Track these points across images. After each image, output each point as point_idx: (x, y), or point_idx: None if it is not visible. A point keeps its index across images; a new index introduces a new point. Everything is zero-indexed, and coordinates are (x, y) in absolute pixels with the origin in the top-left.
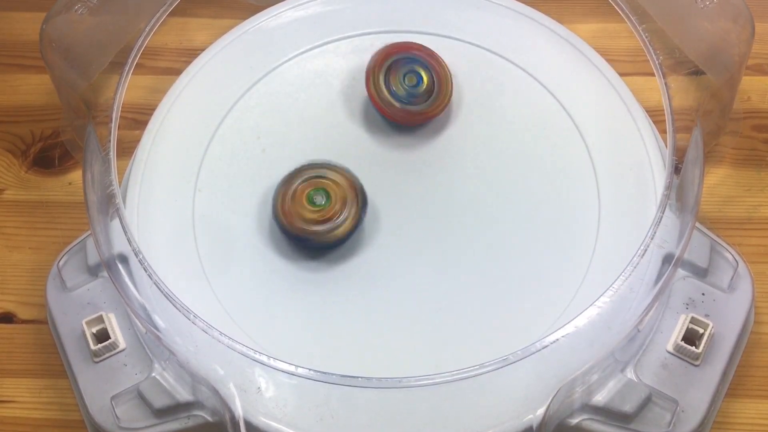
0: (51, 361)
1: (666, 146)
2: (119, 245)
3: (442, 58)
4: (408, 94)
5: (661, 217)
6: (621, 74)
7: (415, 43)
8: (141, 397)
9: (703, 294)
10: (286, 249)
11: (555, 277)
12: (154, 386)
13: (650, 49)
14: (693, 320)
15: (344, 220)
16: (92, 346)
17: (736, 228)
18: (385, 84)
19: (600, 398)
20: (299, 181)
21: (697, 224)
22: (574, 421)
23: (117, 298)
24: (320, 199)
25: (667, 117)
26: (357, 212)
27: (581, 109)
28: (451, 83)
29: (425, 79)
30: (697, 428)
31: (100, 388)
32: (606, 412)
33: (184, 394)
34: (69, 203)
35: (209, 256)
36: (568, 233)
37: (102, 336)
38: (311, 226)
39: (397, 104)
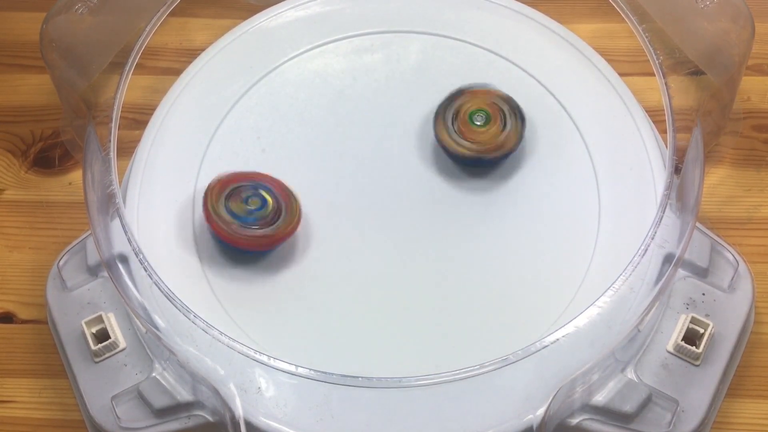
0: (51, 361)
1: (666, 146)
2: (119, 245)
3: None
4: (252, 217)
5: (662, 217)
6: (621, 74)
7: (255, 173)
8: (141, 397)
9: (703, 294)
10: (286, 249)
11: (555, 277)
12: (155, 386)
13: (650, 49)
14: (693, 320)
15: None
16: (92, 346)
17: (736, 228)
18: (225, 208)
19: (600, 398)
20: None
21: (698, 224)
22: (575, 421)
23: (117, 298)
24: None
25: (667, 117)
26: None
27: (581, 109)
28: (298, 206)
29: (270, 201)
30: (697, 428)
31: (100, 388)
32: (606, 412)
33: (184, 394)
34: (69, 203)
35: (209, 256)
36: (568, 233)
37: (102, 336)
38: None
39: (237, 225)
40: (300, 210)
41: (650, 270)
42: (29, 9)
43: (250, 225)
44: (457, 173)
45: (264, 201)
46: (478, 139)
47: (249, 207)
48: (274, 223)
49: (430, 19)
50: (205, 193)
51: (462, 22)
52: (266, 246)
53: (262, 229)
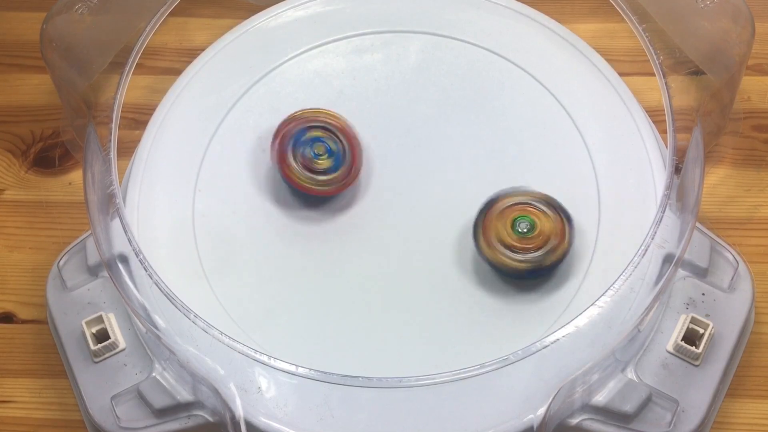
0: (51, 361)
1: (666, 146)
2: (119, 245)
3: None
4: (318, 163)
5: (662, 217)
6: (621, 74)
7: (329, 115)
8: (141, 397)
9: (703, 294)
10: (286, 249)
11: (555, 277)
12: (154, 386)
13: (650, 49)
14: (693, 320)
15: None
16: (92, 346)
17: (736, 228)
18: (293, 151)
19: (600, 398)
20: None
21: (698, 224)
22: (575, 421)
23: (117, 298)
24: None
25: (667, 117)
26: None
27: (581, 109)
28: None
29: (334, 149)
30: (697, 428)
31: (100, 388)
32: (606, 412)
33: (184, 394)
34: (69, 203)
35: (209, 256)
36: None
37: (102, 336)
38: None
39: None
40: (361, 158)
41: (650, 270)
42: (29, 9)
43: (316, 170)
44: (457, 173)
45: (329, 148)
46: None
47: (316, 152)
48: (338, 170)
49: (430, 19)
50: (277, 132)
51: (462, 22)
52: (330, 192)
53: (326, 175)
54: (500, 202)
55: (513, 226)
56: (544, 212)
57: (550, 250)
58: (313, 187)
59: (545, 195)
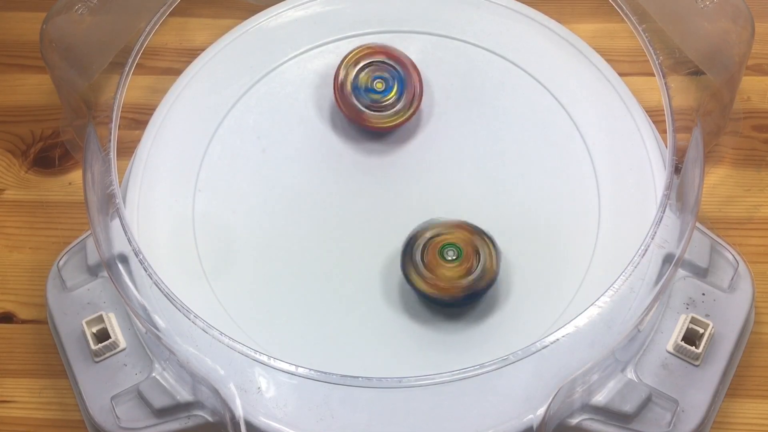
0: (51, 361)
1: (666, 146)
2: (119, 245)
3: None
4: (377, 98)
5: (662, 217)
6: (621, 74)
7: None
8: (141, 397)
9: (703, 294)
10: (286, 249)
11: (555, 277)
12: (154, 386)
13: (650, 49)
14: (693, 320)
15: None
16: (92, 346)
17: (736, 228)
18: (354, 86)
19: (600, 398)
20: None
21: (698, 224)
22: (575, 421)
23: (117, 298)
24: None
25: (667, 117)
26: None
27: (581, 109)
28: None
29: (395, 86)
30: (697, 428)
31: (100, 388)
32: (606, 412)
33: (184, 394)
34: (69, 203)
35: (209, 256)
36: (568, 233)
37: (102, 336)
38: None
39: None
40: (421, 95)
41: (650, 270)
42: (29, 9)
43: (374, 105)
44: (458, 173)
45: (389, 84)
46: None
47: (375, 88)
48: (396, 106)
49: (430, 19)
50: (339, 67)
51: (462, 22)
52: (386, 129)
53: (383, 111)
54: (421, 238)
55: (441, 254)
56: (466, 237)
57: (482, 273)
58: (387, 124)
59: (461, 222)
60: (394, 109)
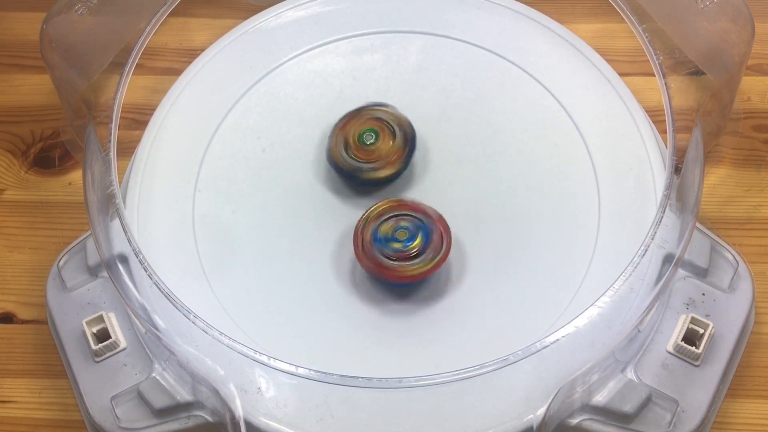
0: (51, 361)
1: (666, 146)
2: (119, 245)
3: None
4: (399, 249)
5: (662, 217)
6: (621, 74)
7: (414, 205)
8: (141, 397)
9: (703, 294)
10: (286, 249)
11: (555, 277)
12: (154, 386)
13: (650, 49)
14: (693, 320)
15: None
16: (93, 346)
17: (736, 228)
18: (375, 240)
19: (600, 398)
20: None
21: (698, 224)
22: (575, 421)
23: (117, 298)
24: (370, 139)
25: (667, 117)
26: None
27: (581, 109)
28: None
29: (418, 238)
30: (697, 428)
31: (100, 388)
32: (606, 412)
33: (184, 394)
34: (69, 203)
35: (209, 256)
36: (568, 233)
37: (102, 336)
38: (359, 164)
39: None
40: (449, 246)
41: (650, 270)
42: (29, 9)
43: (395, 258)
44: (458, 173)
45: (413, 235)
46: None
47: (398, 238)
48: (419, 256)
49: (430, 19)
50: (357, 227)
51: (462, 22)
52: (408, 281)
53: (404, 262)
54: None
55: (360, 138)
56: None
57: (385, 165)
58: (412, 273)
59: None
60: (419, 258)
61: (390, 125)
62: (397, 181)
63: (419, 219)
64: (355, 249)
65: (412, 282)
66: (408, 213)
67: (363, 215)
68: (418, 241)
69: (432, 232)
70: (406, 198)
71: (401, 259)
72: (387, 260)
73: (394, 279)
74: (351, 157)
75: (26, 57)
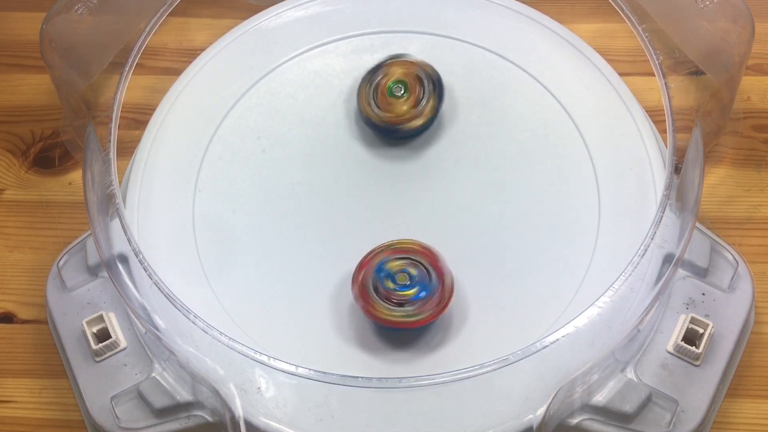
0: (51, 361)
1: (666, 146)
2: (119, 245)
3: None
4: (400, 295)
5: (661, 217)
6: (621, 74)
7: (414, 247)
8: (141, 397)
9: (703, 294)
10: (286, 249)
11: (555, 277)
12: (154, 386)
13: (650, 49)
14: (693, 320)
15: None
16: (93, 346)
17: (736, 228)
18: (374, 285)
19: (600, 398)
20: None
21: (697, 224)
22: (574, 421)
23: (117, 298)
24: (399, 91)
25: (667, 117)
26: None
27: (581, 109)
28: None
29: (418, 281)
30: (697, 428)
31: (100, 388)
32: (606, 412)
33: (184, 394)
34: (69, 203)
35: (209, 256)
36: (568, 233)
37: (102, 335)
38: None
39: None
40: (452, 289)
41: (650, 270)
42: (29, 9)
43: (397, 304)
44: (457, 174)
45: (413, 280)
46: (395, 111)
47: (398, 284)
48: (420, 300)
49: (430, 19)
50: (358, 268)
51: (462, 22)
52: (412, 326)
53: (406, 307)
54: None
55: (389, 91)
56: (421, 84)
57: (417, 115)
58: (401, 320)
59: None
60: (402, 307)
61: (418, 77)
62: (398, 180)
63: (429, 274)
64: (359, 266)
65: (383, 324)
66: (423, 263)
67: (391, 243)
68: (411, 292)
69: (431, 293)
70: (433, 248)
71: (386, 299)
72: (374, 292)
73: (368, 313)
74: (381, 110)
75: (26, 57)
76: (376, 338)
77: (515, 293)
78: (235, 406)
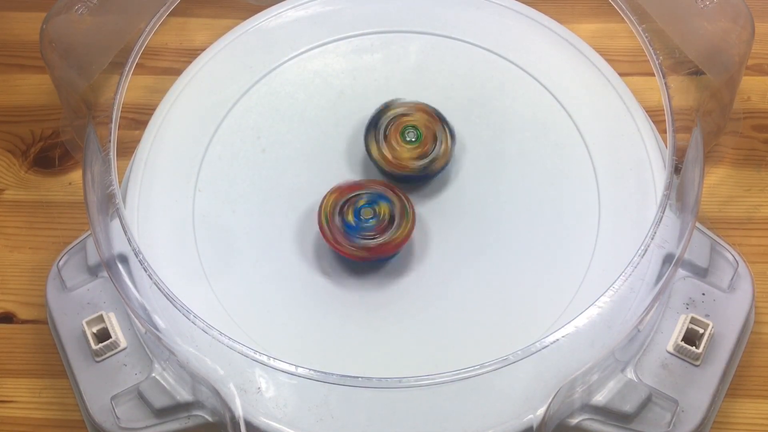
0: (51, 361)
1: (666, 146)
2: (119, 245)
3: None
4: (365, 227)
5: (662, 217)
6: (621, 74)
7: (368, 182)
8: (141, 397)
9: (703, 294)
10: (286, 249)
11: (555, 277)
12: (154, 386)
13: (650, 49)
14: (693, 320)
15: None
16: (93, 346)
17: (736, 228)
18: (340, 220)
19: (600, 398)
20: (387, 122)
21: (697, 224)
22: (574, 421)
23: (117, 298)
24: (411, 137)
25: (667, 117)
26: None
27: (581, 109)
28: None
29: (382, 211)
30: (697, 428)
31: (100, 388)
32: (606, 412)
33: (184, 394)
34: (69, 203)
35: (209, 256)
36: (568, 233)
37: (102, 335)
38: (411, 163)
39: (350, 238)
40: (413, 223)
41: (650, 270)
42: (29, 9)
43: (364, 236)
44: (457, 174)
45: (377, 212)
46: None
47: (363, 218)
48: (387, 231)
49: (430, 19)
50: (321, 201)
51: (462, 22)
52: (373, 257)
53: (375, 239)
54: (383, 119)
55: (402, 136)
56: (426, 122)
57: (436, 157)
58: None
59: (423, 104)
60: (393, 226)
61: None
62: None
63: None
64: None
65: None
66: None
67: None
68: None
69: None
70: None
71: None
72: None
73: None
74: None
75: (26, 57)
76: (377, 338)
77: (515, 293)
78: (235, 406)
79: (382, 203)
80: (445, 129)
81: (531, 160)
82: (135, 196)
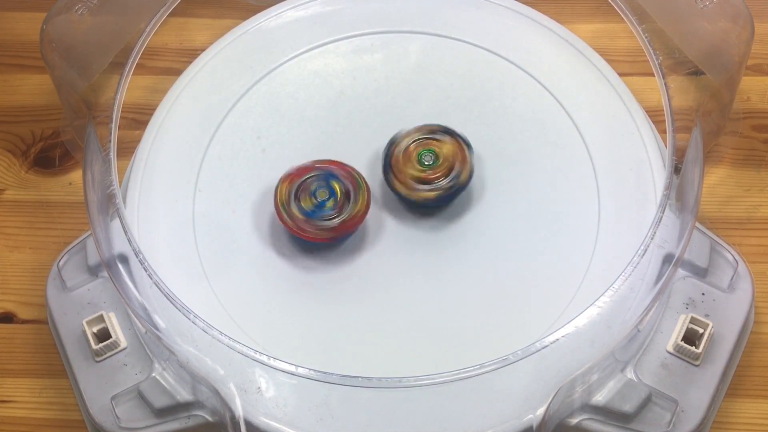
0: (51, 361)
1: (666, 146)
2: (119, 245)
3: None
4: (322, 209)
5: (661, 217)
6: (621, 74)
7: (323, 163)
8: (141, 397)
9: (703, 294)
10: (286, 249)
11: (555, 277)
12: (154, 386)
13: (650, 49)
14: (693, 320)
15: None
16: (93, 346)
17: (736, 228)
18: (295, 204)
19: (600, 398)
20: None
21: (697, 224)
22: (574, 420)
23: (117, 298)
24: (429, 160)
25: (667, 117)
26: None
27: (581, 109)
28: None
29: (338, 191)
30: (697, 428)
31: (100, 388)
32: (606, 412)
33: (184, 394)
34: (69, 203)
35: (209, 256)
36: (568, 233)
37: (102, 335)
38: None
39: (306, 220)
40: (369, 194)
41: (650, 270)
42: (29, 9)
43: (324, 217)
44: None
45: (332, 191)
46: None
47: (318, 200)
48: (344, 211)
49: (430, 19)
50: (275, 191)
51: (462, 22)
52: (339, 236)
53: (332, 220)
54: (401, 143)
55: (419, 160)
56: (443, 141)
57: (456, 176)
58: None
59: (440, 125)
60: (349, 206)
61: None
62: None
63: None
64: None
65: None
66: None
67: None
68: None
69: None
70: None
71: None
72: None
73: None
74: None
75: (26, 57)
76: (377, 337)
77: (515, 293)
78: (235, 406)
79: (333, 182)
80: (460, 143)
81: (531, 160)
82: (135, 196)
